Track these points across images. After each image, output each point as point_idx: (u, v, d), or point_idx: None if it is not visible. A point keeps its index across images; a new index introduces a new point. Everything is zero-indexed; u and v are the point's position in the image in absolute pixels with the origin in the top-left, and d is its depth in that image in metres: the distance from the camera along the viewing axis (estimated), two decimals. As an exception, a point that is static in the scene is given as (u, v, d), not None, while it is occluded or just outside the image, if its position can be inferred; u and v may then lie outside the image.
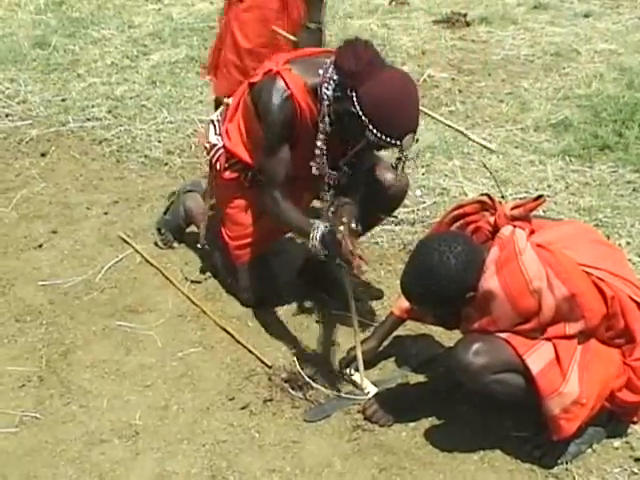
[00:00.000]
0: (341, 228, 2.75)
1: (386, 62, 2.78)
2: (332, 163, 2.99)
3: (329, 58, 2.84)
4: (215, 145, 3.20)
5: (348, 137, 2.85)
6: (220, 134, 3.20)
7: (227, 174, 3.21)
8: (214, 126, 3.24)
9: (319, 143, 2.90)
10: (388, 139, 2.67)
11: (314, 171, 2.96)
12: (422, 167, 4.40)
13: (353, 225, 2.86)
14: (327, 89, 2.80)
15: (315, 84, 2.85)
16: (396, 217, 3.83)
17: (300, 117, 2.88)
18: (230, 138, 3.15)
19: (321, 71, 2.83)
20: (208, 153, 3.25)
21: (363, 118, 2.67)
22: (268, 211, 3.03)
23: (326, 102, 2.82)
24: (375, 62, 2.71)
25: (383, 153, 2.71)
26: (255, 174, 3.14)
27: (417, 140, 2.74)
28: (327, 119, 2.84)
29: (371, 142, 2.71)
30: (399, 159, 2.75)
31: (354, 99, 2.68)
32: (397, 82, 2.72)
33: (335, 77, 2.77)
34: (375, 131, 2.67)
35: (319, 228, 2.79)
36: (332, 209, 3.00)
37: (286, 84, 2.85)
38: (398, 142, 2.68)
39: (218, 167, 3.22)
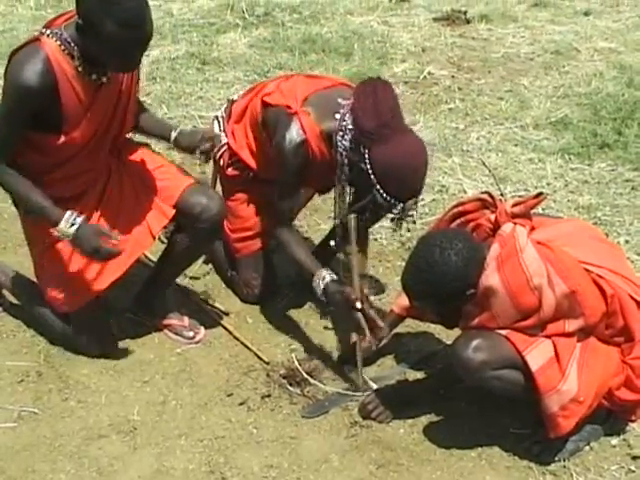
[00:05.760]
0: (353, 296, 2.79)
1: (403, 121, 2.75)
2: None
3: (347, 98, 2.80)
4: (219, 141, 3.20)
5: (356, 185, 2.87)
6: (224, 131, 3.20)
7: (230, 171, 3.23)
8: (218, 122, 3.25)
9: (339, 189, 2.93)
10: (393, 201, 2.70)
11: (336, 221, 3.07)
12: (421, 164, 4.39)
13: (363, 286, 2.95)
14: (343, 138, 2.77)
15: (330, 130, 2.82)
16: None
17: (312, 160, 2.88)
18: (235, 139, 3.17)
19: (338, 116, 2.79)
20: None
21: (372, 178, 2.68)
22: (278, 243, 3.10)
23: (341, 150, 2.79)
24: (391, 123, 2.67)
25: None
26: (257, 175, 3.17)
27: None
28: (346, 168, 2.81)
29: (376, 200, 2.72)
30: (400, 218, 2.77)
31: (366, 157, 2.68)
32: (410, 148, 2.71)
33: (350, 127, 2.74)
34: (382, 192, 2.69)
35: (324, 278, 2.85)
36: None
37: (302, 128, 2.83)
38: (401, 204, 2.72)
39: (222, 163, 3.24)
